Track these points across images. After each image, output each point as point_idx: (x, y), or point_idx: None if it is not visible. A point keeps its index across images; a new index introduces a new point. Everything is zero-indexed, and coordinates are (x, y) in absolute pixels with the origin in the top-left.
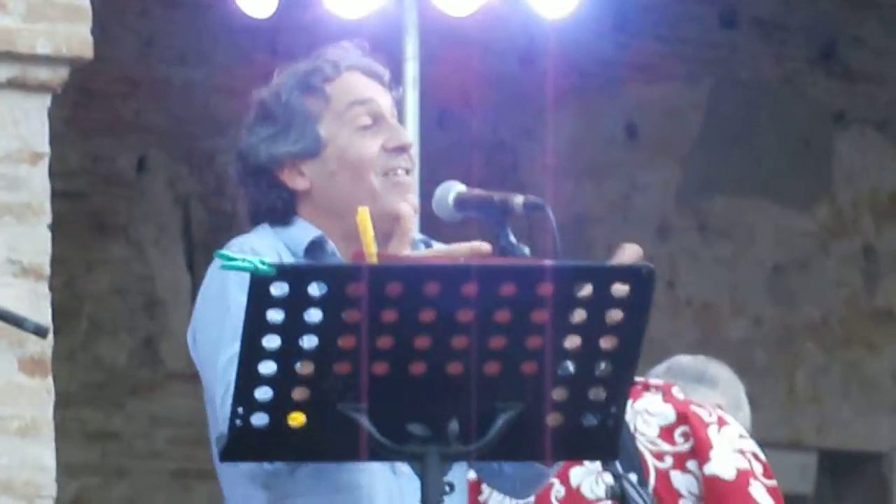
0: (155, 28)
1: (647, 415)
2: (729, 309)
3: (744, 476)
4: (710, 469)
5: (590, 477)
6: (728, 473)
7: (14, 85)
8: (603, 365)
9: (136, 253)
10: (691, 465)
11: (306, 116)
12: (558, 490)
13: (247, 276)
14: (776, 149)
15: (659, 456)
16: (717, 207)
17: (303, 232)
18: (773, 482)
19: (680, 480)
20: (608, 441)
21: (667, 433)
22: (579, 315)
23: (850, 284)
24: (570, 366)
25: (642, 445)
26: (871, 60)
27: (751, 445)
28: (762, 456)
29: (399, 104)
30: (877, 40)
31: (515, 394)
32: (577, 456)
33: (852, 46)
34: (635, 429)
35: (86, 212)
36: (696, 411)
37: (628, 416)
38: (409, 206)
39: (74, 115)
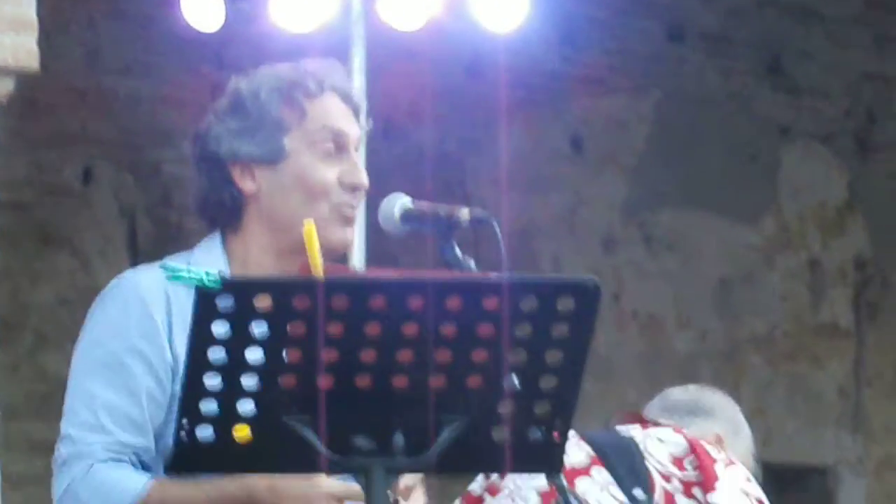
0: (101, 39)
1: (658, 441)
2: (674, 322)
3: None
4: (714, 498)
5: (595, 487)
6: None
7: None
8: (548, 379)
9: (81, 264)
10: (696, 491)
11: (277, 124)
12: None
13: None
14: (722, 162)
15: (667, 478)
16: (662, 220)
17: (209, 264)
18: None
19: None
20: (553, 455)
21: (677, 461)
22: (525, 329)
23: (795, 298)
24: (516, 379)
25: (651, 465)
26: (817, 74)
27: (756, 491)
28: (767, 502)
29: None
30: (823, 54)
31: (461, 407)
32: (522, 469)
33: (798, 60)
34: (646, 448)
35: (31, 223)
36: (707, 448)
37: (639, 438)
38: (348, 238)
39: (20, 126)
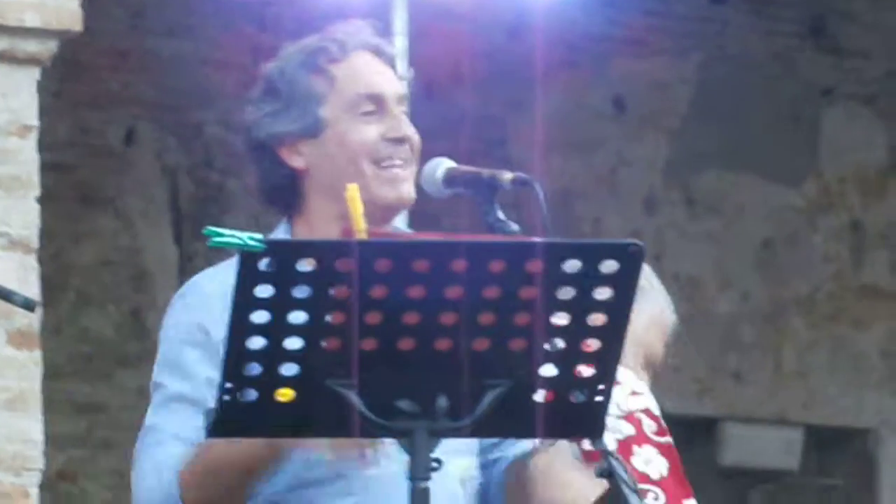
0: (143, 0)
1: None
2: (716, 284)
3: (625, 446)
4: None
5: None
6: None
7: (3, 58)
8: (591, 342)
9: (123, 225)
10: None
11: (309, 96)
12: None
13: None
14: (764, 124)
15: None
16: (704, 182)
17: None
18: (666, 439)
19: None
20: (596, 418)
21: None
22: (567, 291)
23: (837, 260)
24: (559, 342)
25: None
26: (860, 35)
27: (642, 403)
28: (656, 411)
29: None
30: (866, 15)
31: (504, 370)
32: (566, 433)
33: (841, 22)
34: None
35: (74, 184)
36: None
37: None
38: (401, 195)
39: (63, 88)
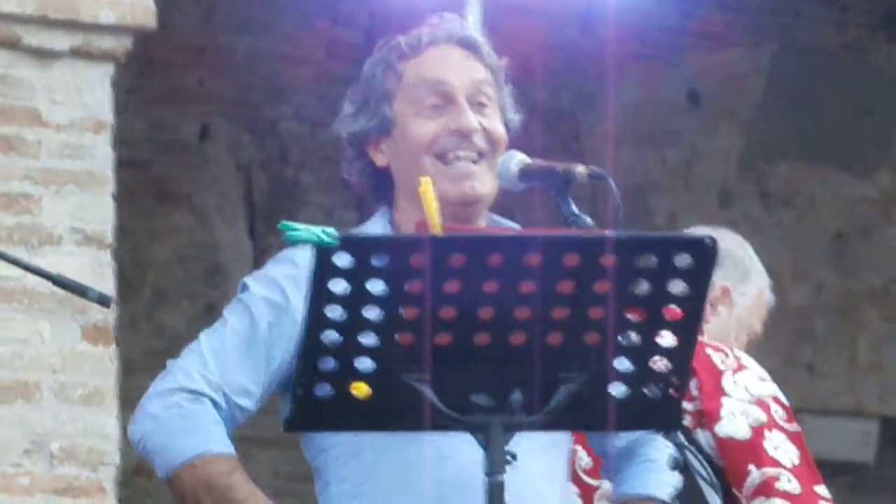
0: None
1: None
2: (790, 276)
3: (758, 431)
4: (722, 430)
5: None
6: (741, 433)
7: (78, 54)
8: (665, 335)
9: (198, 221)
10: (706, 427)
11: (381, 94)
12: (582, 458)
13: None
14: (838, 115)
15: None
16: (779, 174)
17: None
18: (794, 426)
19: (702, 438)
20: (671, 411)
21: None
22: (641, 285)
23: None
24: (633, 336)
25: None
26: None
27: (771, 390)
28: (784, 399)
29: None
30: None
31: (578, 364)
32: (640, 426)
33: None
34: None
35: (149, 180)
36: (711, 358)
37: None
38: (464, 190)
39: (138, 84)
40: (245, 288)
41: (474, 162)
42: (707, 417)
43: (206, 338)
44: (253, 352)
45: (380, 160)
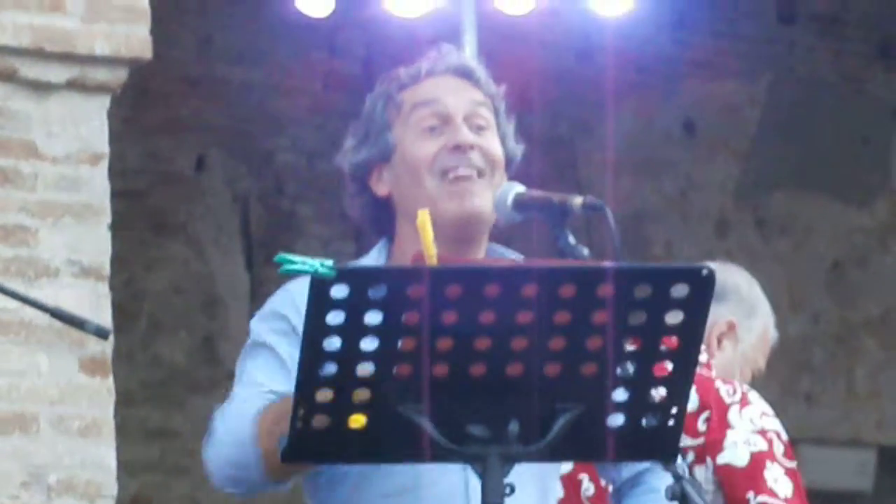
0: (213, 27)
1: None
2: (788, 305)
3: (758, 460)
4: (722, 459)
5: None
6: (741, 460)
7: (74, 86)
8: (662, 365)
9: (195, 252)
10: (708, 458)
11: (382, 125)
12: (587, 487)
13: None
14: (834, 144)
15: (683, 451)
16: (775, 203)
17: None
18: (792, 464)
19: (701, 474)
20: (669, 441)
21: (691, 421)
22: (639, 316)
23: None
24: (631, 367)
25: None
26: None
27: (774, 425)
28: (784, 436)
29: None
30: None
31: (575, 395)
32: (638, 457)
33: None
34: None
35: (145, 211)
36: (720, 391)
37: None
38: (466, 208)
39: (133, 115)
40: (251, 331)
41: (470, 179)
42: (710, 448)
43: (236, 388)
44: (283, 369)
45: (381, 189)
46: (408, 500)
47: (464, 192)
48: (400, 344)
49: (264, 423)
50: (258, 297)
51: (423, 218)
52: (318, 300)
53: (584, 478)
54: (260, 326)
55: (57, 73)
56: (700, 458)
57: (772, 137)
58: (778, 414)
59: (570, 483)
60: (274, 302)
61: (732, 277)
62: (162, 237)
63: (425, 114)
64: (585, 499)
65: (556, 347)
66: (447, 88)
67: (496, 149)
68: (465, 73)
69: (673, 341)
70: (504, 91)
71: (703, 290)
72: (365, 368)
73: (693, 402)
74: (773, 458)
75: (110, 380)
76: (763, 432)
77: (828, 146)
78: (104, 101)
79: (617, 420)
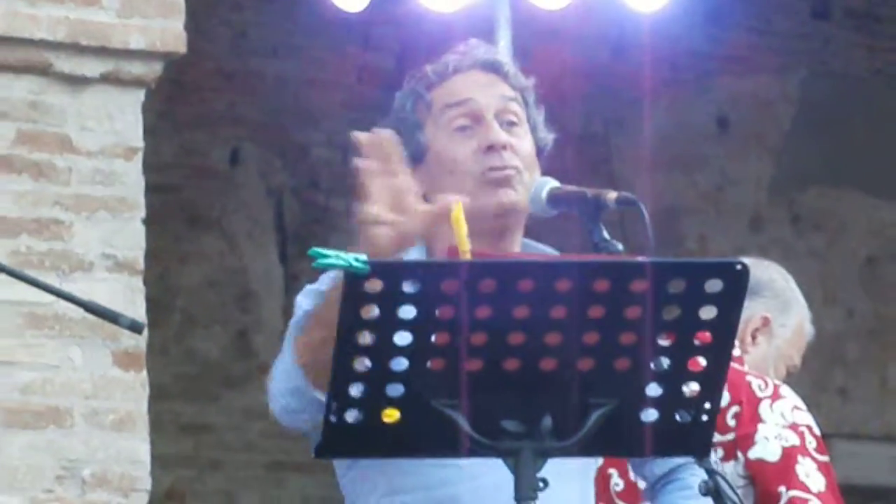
0: (247, 21)
1: None
2: (821, 301)
3: (790, 454)
4: (754, 454)
5: None
6: (773, 455)
7: (108, 80)
8: (696, 360)
9: (229, 245)
10: (739, 453)
11: (412, 124)
12: (617, 483)
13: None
14: (868, 140)
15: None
16: (809, 199)
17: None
18: (824, 458)
19: (730, 469)
20: (702, 437)
21: (720, 416)
22: (673, 311)
23: None
24: (664, 361)
25: None
26: None
27: (806, 419)
28: (817, 430)
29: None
30: None
31: (609, 390)
32: (671, 452)
33: None
34: None
35: (179, 205)
36: (751, 385)
37: None
38: (503, 199)
39: (168, 109)
40: (299, 305)
41: (510, 175)
42: (741, 442)
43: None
44: None
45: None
46: (456, 490)
47: (500, 185)
48: (433, 338)
49: (299, 337)
50: (292, 290)
51: (458, 213)
52: (352, 294)
53: (614, 473)
54: (304, 300)
55: (92, 67)
56: (729, 454)
57: (806, 133)
58: (811, 409)
59: (600, 478)
60: (319, 284)
61: (767, 273)
62: (196, 231)
63: (456, 114)
64: (615, 494)
65: (590, 342)
66: (476, 85)
67: (528, 146)
68: (493, 68)
69: (707, 336)
70: (535, 84)
71: (737, 285)
72: (398, 363)
73: (725, 397)
74: (805, 453)
75: (144, 374)
76: (794, 426)
77: (861, 142)
78: (139, 95)
79: (650, 415)
